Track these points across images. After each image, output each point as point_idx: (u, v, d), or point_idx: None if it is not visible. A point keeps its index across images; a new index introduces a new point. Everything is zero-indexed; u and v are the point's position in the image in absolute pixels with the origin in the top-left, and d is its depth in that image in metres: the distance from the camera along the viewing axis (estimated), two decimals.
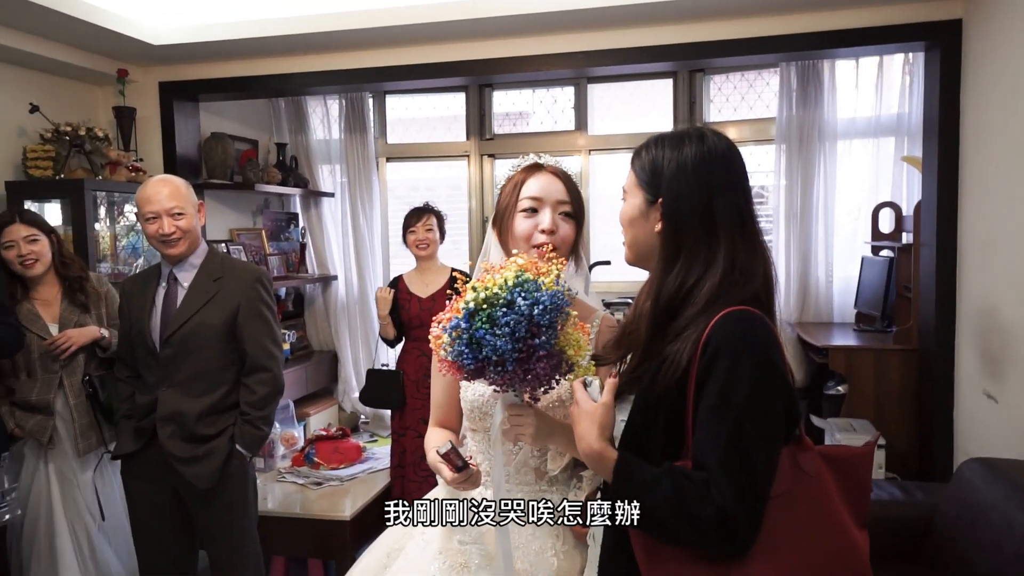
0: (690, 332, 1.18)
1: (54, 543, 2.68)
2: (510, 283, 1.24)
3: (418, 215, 3.43)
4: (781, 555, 1.13)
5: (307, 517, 3.21)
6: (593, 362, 1.35)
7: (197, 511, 2.41)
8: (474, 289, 1.26)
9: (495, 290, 1.24)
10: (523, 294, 1.23)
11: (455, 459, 1.40)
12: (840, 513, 1.19)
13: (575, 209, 1.56)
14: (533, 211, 1.55)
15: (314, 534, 3.19)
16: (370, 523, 3.25)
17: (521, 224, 1.55)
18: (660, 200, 1.25)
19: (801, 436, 1.23)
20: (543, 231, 1.53)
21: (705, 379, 1.15)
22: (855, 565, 1.18)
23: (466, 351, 1.24)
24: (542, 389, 1.30)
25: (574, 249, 1.61)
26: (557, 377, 1.29)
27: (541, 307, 1.23)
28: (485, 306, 1.24)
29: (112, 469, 2.82)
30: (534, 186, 1.56)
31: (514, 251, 1.38)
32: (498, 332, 1.22)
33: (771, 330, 1.18)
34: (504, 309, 1.22)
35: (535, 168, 1.60)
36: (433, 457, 1.48)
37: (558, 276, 1.29)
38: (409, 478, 3.41)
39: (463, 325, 1.24)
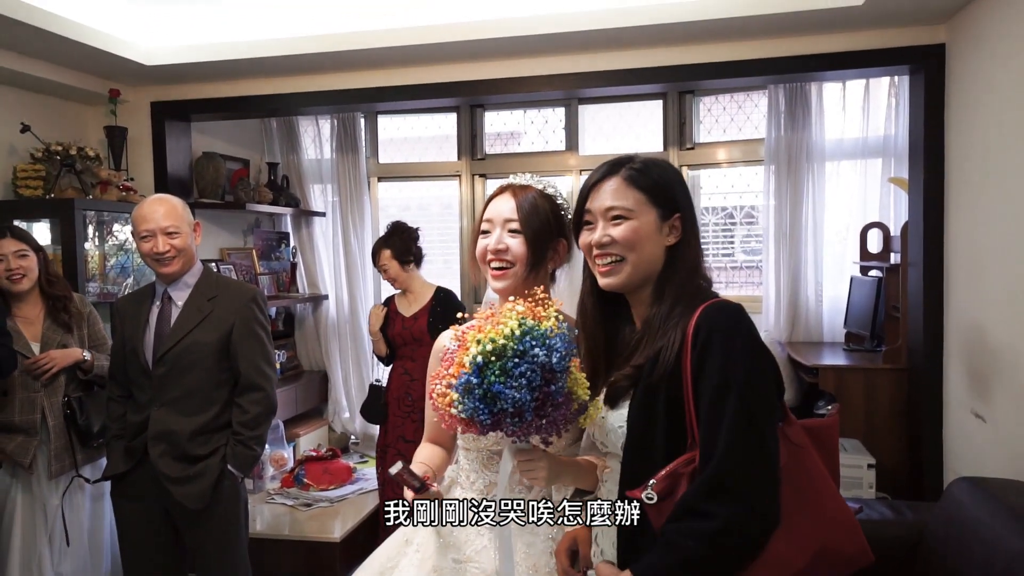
0: (673, 323, 1.29)
1: (4, 569, 2.59)
2: (517, 332, 1.23)
3: (375, 257, 3.48)
4: (794, 523, 1.20)
5: (296, 539, 3.19)
6: (597, 399, 1.37)
7: (187, 532, 2.38)
8: (478, 342, 1.24)
9: (501, 341, 1.22)
10: (534, 342, 1.22)
11: (410, 480, 1.37)
12: (828, 479, 1.29)
13: (522, 226, 1.54)
14: (486, 232, 1.58)
15: (303, 556, 3.16)
16: (360, 544, 3.22)
17: (477, 246, 1.58)
18: (678, 214, 1.36)
19: (786, 411, 1.31)
20: (490, 251, 1.55)
21: (701, 365, 1.23)
22: (850, 523, 1.26)
23: (481, 406, 1.22)
24: (556, 433, 1.30)
25: (542, 269, 1.57)
26: (571, 419, 1.29)
27: (558, 354, 1.22)
28: (494, 358, 1.22)
29: (81, 494, 2.75)
30: (489, 209, 1.60)
31: (496, 288, 1.36)
32: (514, 384, 1.20)
33: (750, 318, 1.28)
34: (516, 360, 1.21)
35: (501, 191, 1.61)
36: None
37: (557, 317, 1.29)
38: (388, 497, 3.40)
39: (474, 380, 1.22)
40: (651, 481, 1.22)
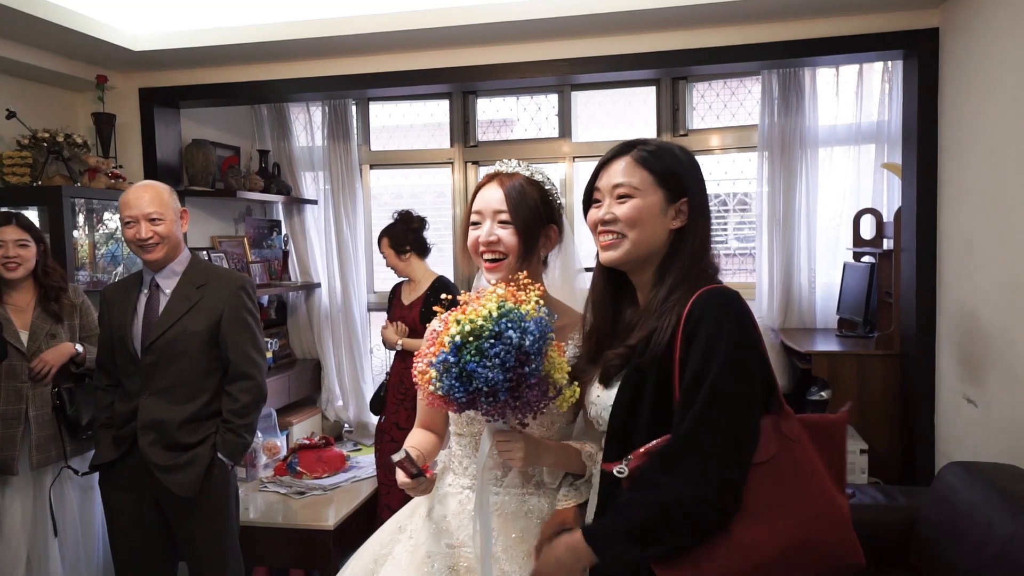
0: (670, 306, 1.30)
1: None
2: (494, 314, 1.25)
3: (378, 244, 3.51)
4: (770, 517, 1.21)
5: (290, 527, 3.18)
6: (576, 383, 1.38)
7: (178, 521, 2.38)
8: (457, 322, 1.27)
9: (479, 322, 1.25)
10: (510, 324, 1.24)
11: (409, 467, 1.42)
12: (822, 476, 1.28)
13: (512, 216, 1.54)
14: (477, 224, 1.57)
15: (297, 544, 3.16)
16: (354, 532, 3.22)
17: (469, 237, 1.58)
18: (685, 199, 1.37)
19: (781, 403, 1.31)
20: (482, 243, 1.55)
21: (688, 349, 1.25)
22: (838, 524, 1.25)
23: (457, 384, 1.25)
24: (531, 415, 1.31)
25: (534, 257, 1.57)
26: (545, 402, 1.31)
27: (531, 336, 1.24)
28: (471, 338, 1.24)
29: (70, 485, 2.74)
30: (478, 199, 1.59)
31: (491, 280, 1.38)
32: (488, 364, 1.22)
33: (746, 305, 1.29)
34: (492, 340, 1.23)
35: (488, 179, 1.60)
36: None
37: (537, 302, 1.31)
38: (381, 480, 3.45)
39: (451, 359, 1.25)
40: (628, 457, 1.25)
